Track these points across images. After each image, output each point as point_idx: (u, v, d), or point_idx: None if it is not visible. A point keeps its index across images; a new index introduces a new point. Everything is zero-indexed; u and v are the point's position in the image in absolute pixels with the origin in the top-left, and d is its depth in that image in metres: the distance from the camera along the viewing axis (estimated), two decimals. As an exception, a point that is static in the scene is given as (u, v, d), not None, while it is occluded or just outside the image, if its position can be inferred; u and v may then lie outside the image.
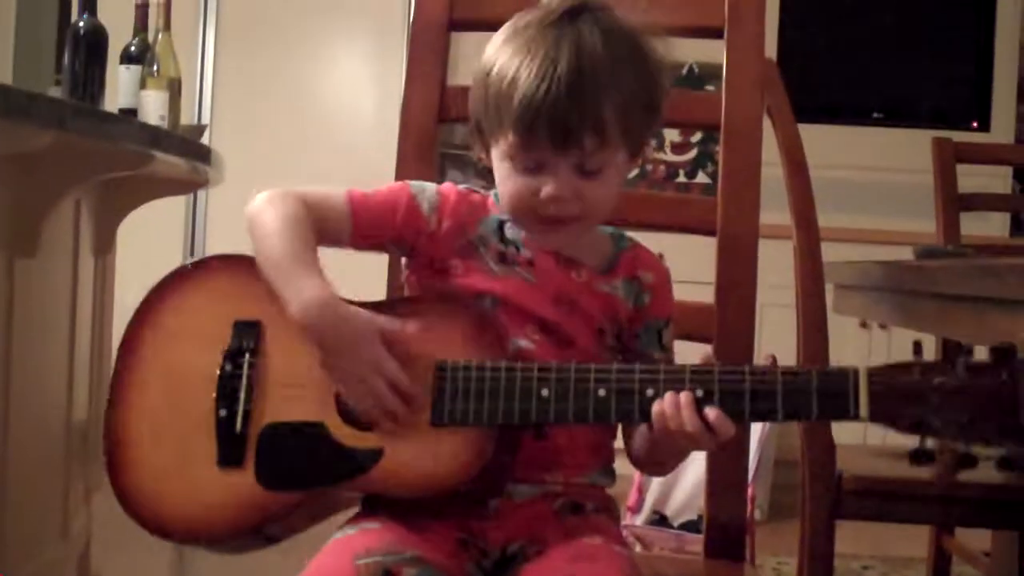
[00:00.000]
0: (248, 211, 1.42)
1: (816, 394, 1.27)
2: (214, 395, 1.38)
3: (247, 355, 1.39)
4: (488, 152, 1.45)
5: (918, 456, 1.27)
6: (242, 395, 1.37)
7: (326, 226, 1.41)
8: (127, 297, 1.47)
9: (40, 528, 2.75)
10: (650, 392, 1.31)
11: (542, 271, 1.44)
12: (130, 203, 3.16)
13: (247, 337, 1.39)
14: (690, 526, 3.74)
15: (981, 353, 1.26)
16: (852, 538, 3.76)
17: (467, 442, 1.33)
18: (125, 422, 1.41)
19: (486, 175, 1.48)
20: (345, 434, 1.35)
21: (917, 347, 1.31)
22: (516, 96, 1.35)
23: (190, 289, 1.45)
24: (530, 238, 1.44)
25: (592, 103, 1.35)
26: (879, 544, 3.94)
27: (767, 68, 1.81)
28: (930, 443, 1.27)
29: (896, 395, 1.24)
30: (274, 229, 1.37)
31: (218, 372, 1.38)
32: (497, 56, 1.41)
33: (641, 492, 3.84)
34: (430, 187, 1.47)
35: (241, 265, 1.41)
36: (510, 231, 1.45)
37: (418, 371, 1.34)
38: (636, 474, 3.96)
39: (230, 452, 1.36)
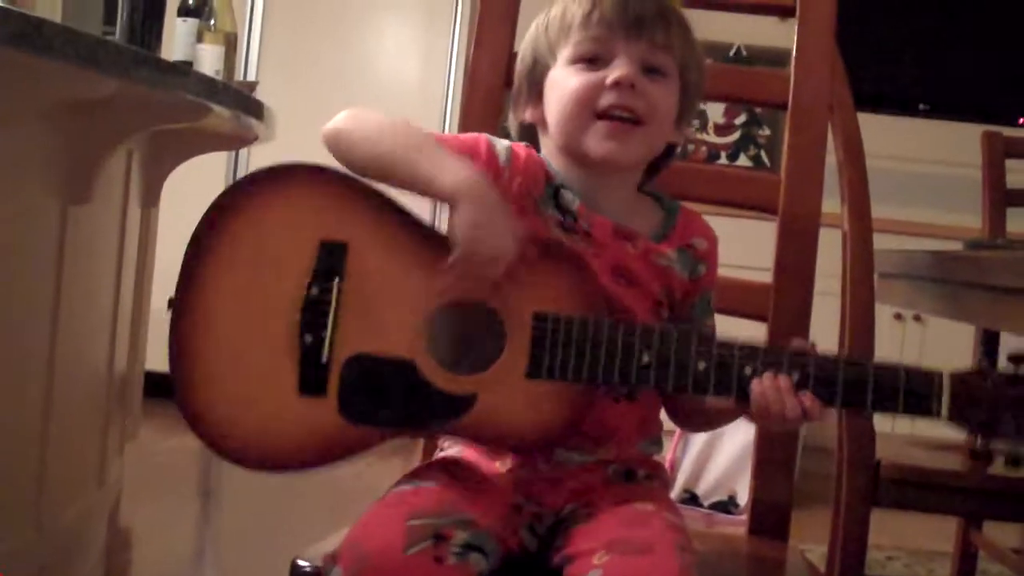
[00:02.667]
0: (334, 126, 1.40)
1: (903, 391, 1.31)
2: (298, 319, 1.32)
3: (336, 279, 1.33)
4: (539, 97, 1.46)
5: (979, 455, 1.38)
6: (330, 322, 1.32)
7: None
8: (167, 252, 1.40)
9: (78, 476, 2.78)
10: (748, 371, 1.32)
11: (600, 243, 1.43)
12: (179, 156, 3.18)
13: (334, 259, 1.33)
14: (720, 506, 3.75)
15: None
16: (878, 528, 3.74)
17: (559, 399, 1.33)
18: (195, 335, 1.34)
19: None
20: (437, 375, 1.32)
21: (985, 354, 1.48)
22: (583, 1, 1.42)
23: (271, 200, 1.36)
24: (586, 204, 1.43)
25: (659, 4, 1.43)
26: (904, 536, 3.93)
27: (835, 50, 1.80)
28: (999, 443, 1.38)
29: (974, 401, 1.32)
30: (383, 125, 1.37)
31: (303, 295, 1.33)
32: (553, 6, 1.47)
33: (673, 470, 3.85)
34: (504, 140, 1.47)
35: (323, 179, 1.36)
36: (567, 198, 1.44)
37: (517, 318, 1.33)
38: (668, 453, 3.97)
39: (313, 380, 1.32)
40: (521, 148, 1.47)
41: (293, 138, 4.50)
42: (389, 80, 5.22)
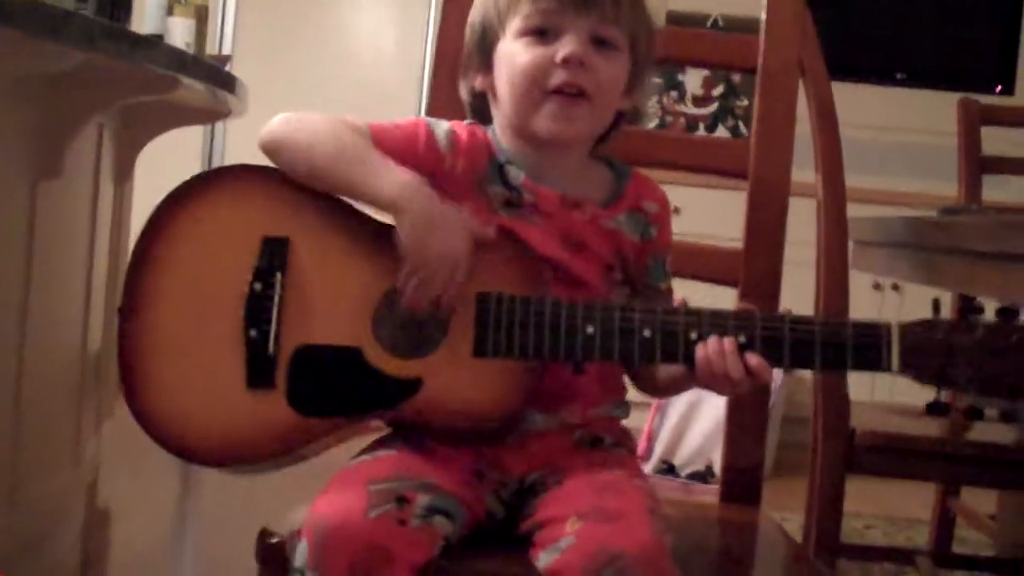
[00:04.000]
0: (268, 132, 1.39)
1: (852, 346, 1.30)
2: (243, 314, 1.34)
3: (279, 274, 1.35)
4: (488, 66, 1.45)
5: (934, 409, 1.36)
6: (274, 315, 1.34)
7: None
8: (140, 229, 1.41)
9: (53, 455, 2.77)
10: (694, 335, 1.32)
11: (546, 213, 1.43)
12: (152, 130, 3.16)
13: (276, 255, 1.36)
14: (697, 476, 3.76)
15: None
16: (856, 497, 3.75)
17: (507, 375, 1.34)
18: (143, 336, 1.36)
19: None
20: (384, 361, 1.33)
21: (936, 305, 1.44)
22: None
23: (213, 199, 1.40)
24: (531, 177, 1.43)
25: None
26: (883, 504, 3.95)
27: (804, 15, 1.79)
28: (944, 396, 1.36)
29: (925, 350, 1.30)
30: (321, 133, 1.37)
31: (247, 291, 1.35)
32: None
33: (650, 441, 3.86)
34: (444, 124, 1.46)
35: (265, 177, 1.39)
36: (512, 173, 1.44)
37: (460, 300, 1.34)
38: (646, 423, 3.98)
39: (261, 374, 1.34)
40: (462, 129, 1.46)
41: (269, 111, 4.50)
42: (366, 52, 5.20)
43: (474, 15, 1.49)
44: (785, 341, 1.31)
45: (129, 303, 1.38)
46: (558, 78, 1.38)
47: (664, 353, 1.33)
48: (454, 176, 1.43)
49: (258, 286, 1.35)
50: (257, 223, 1.37)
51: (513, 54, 1.41)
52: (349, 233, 1.37)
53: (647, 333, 1.32)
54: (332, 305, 1.35)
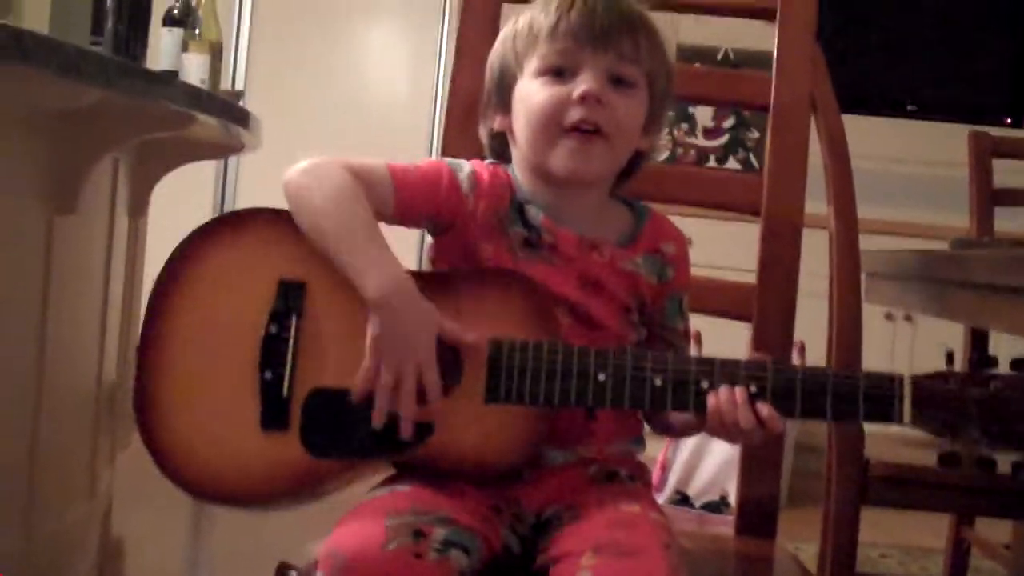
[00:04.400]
0: (288, 180, 1.39)
1: (863, 397, 1.32)
2: (259, 357, 1.35)
3: (294, 317, 1.36)
4: (507, 107, 1.46)
5: (946, 460, 1.38)
6: (289, 358, 1.35)
7: (370, 198, 1.39)
8: (157, 261, 1.43)
9: (68, 486, 2.77)
10: (705, 384, 1.33)
11: (565, 254, 1.43)
12: (167, 165, 3.17)
13: (293, 298, 1.37)
14: (712, 507, 3.75)
15: (1006, 351, 1.37)
16: (871, 526, 3.74)
17: (519, 421, 1.34)
18: (160, 377, 1.38)
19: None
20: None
21: (950, 357, 1.46)
22: (555, 6, 1.42)
23: (230, 242, 1.41)
24: (550, 218, 1.44)
25: (627, 14, 1.42)
26: (897, 533, 3.94)
27: (815, 51, 1.80)
28: (956, 447, 1.37)
29: (936, 403, 1.32)
30: (331, 200, 1.36)
31: (263, 333, 1.36)
32: (520, 16, 1.46)
33: (664, 471, 3.85)
34: (466, 165, 1.46)
35: (282, 221, 1.39)
36: (531, 213, 1.44)
37: (474, 346, 1.34)
38: (660, 453, 3.97)
39: (275, 415, 1.35)
40: (484, 169, 1.47)
41: (281, 146, 4.52)
42: (377, 88, 5.22)
43: (493, 57, 1.50)
44: (797, 391, 1.32)
45: (147, 342, 1.39)
46: (575, 115, 1.39)
47: (675, 402, 1.34)
48: (475, 218, 1.43)
49: (274, 328, 1.36)
50: (274, 266, 1.38)
51: (530, 93, 1.42)
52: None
53: (658, 382, 1.33)
54: (346, 349, 1.35)
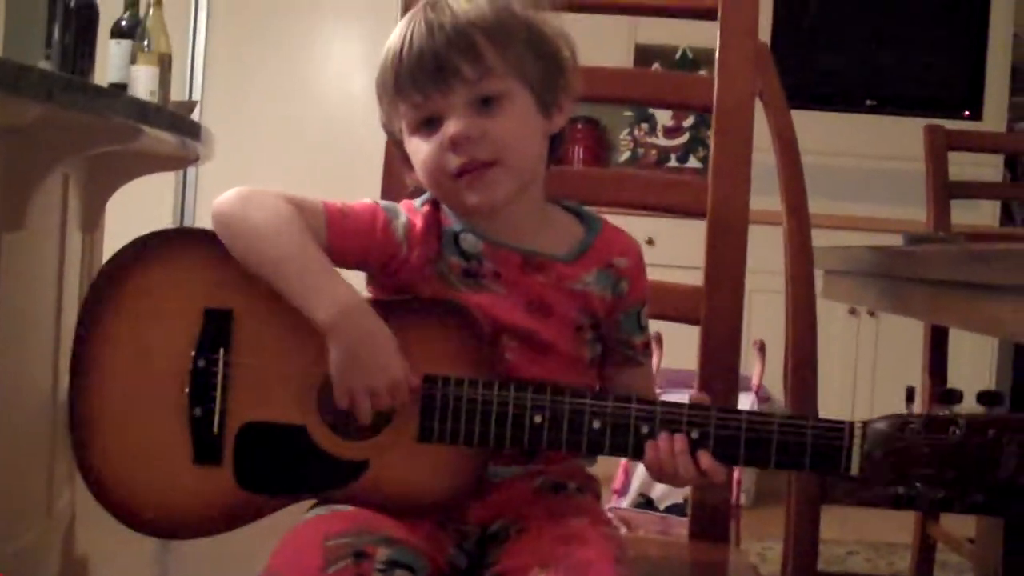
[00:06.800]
0: (220, 207, 1.34)
1: (810, 449, 1.27)
2: (187, 391, 1.32)
3: (221, 350, 1.33)
4: (411, 164, 1.41)
5: (899, 503, 1.31)
6: (217, 394, 1.32)
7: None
8: None
9: (24, 506, 2.75)
10: (645, 430, 1.30)
11: (509, 281, 1.39)
12: (119, 179, 3.14)
13: (219, 328, 1.33)
14: (675, 509, 3.74)
15: (969, 345, 1.32)
16: (837, 524, 3.77)
17: (452, 461, 1.32)
18: (91, 409, 1.34)
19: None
20: (329, 441, 1.32)
21: (910, 394, 1.37)
22: (390, 63, 1.37)
23: (154, 266, 1.36)
24: (489, 244, 1.40)
25: (456, 33, 1.33)
26: (864, 530, 3.96)
27: (760, 50, 1.79)
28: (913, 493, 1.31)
29: (888, 456, 1.26)
30: (270, 226, 1.31)
31: (190, 367, 1.32)
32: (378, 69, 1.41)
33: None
34: (402, 213, 1.41)
35: (205, 243, 1.34)
36: (467, 242, 1.40)
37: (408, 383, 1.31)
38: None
39: (207, 451, 1.32)
40: (416, 216, 1.41)
41: (240, 155, 4.52)
42: (335, 96, 5.20)
43: (381, 119, 1.45)
44: (741, 439, 1.29)
45: (76, 367, 1.35)
46: (455, 163, 1.34)
47: (613, 446, 1.30)
48: (409, 264, 1.39)
49: (201, 362, 1.33)
50: (200, 294, 1.34)
51: (414, 152, 1.38)
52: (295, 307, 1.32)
53: (596, 425, 1.30)
54: (277, 382, 1.32)
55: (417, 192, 1.46)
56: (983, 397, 1.32)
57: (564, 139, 1.47)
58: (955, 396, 1.31)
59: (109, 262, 1.37)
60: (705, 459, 1.28)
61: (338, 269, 1.34)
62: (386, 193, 1.68)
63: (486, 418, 1.30)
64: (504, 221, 1.41)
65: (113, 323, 1.35)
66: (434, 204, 1.43)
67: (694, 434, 1.29)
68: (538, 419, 1.30)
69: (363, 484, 1.31)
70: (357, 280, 1.40)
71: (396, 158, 1.47)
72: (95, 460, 1.34)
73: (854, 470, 1.26)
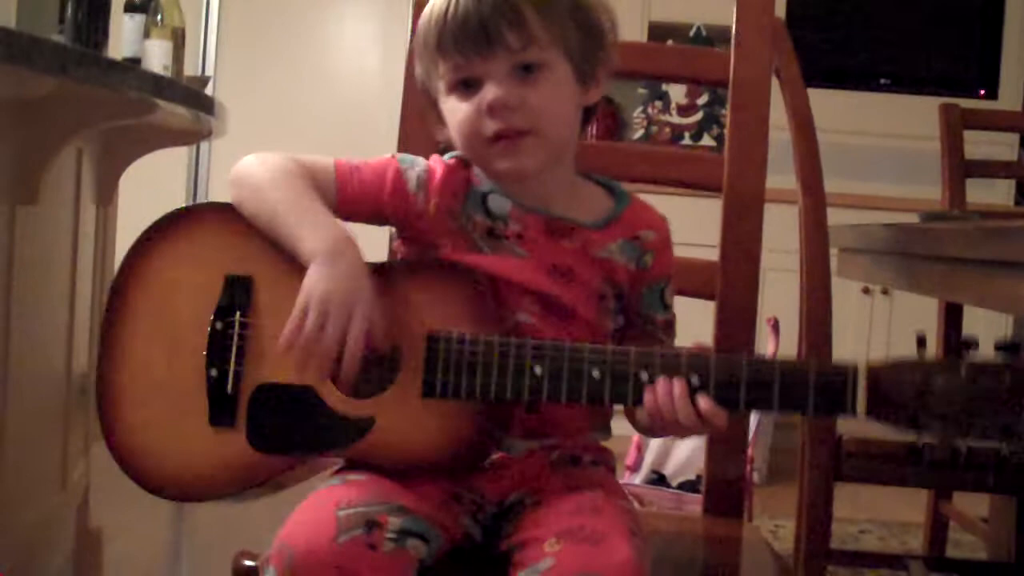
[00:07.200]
0: (235, 170, 1.39)
1: (813, 389, 1.25)
2: (205, 354, 1.35)
3: (238, 313, 1.36)
4: (443, 121, 1.43)
5: (912, 456, 1.26)
6: (232, 356, 1.35)
7: (314, 189, 1.38)
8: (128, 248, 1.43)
9: (39, 478, 2.76)
10: (644, 376, 1.28)
11: (533, 244, 1.40)
12: (133, 153, 3.15)
13: (238, 293, 1.36)
14: (688, 486, 3.74)
15: (983, 323, 1.26)
16: (849, 502, 3.77)
17: (456, 417, 1.32)
18: (117, 375, 1.38)
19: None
20: (336, 400, 1.33)
21: (921, 341, 1.30)
22: (433, 22, 1.37)
23: (180, 239, 1.40)
24: (516, 207, 1.41)
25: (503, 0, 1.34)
26: (876, 509, 3.95)
27: (777, 26, 1.78)
28: (926, 438, 1.26)
29: (894, 395, 1.23)
30: (274, 179, 1.36)
31: (208, 329, 1.36)
32: (418, 29, 1.42)
33: (640, 451, 3.84)
34: (420, 162, 1.43)
35: (231, 216, 1.38)
36: (494, 203, 1.41)
37: (411, 340, 1.32)
38: (636, 434, 3.96)
39: (222, 412, 1.35)
40: (438, 165, 1.43)
41: (253, 130, 4.51)
42: (348, 70, 5.20)
43: (415, 73, 1.46)
44: (741, 382, 1.27)
45: (105, 341, 1.39)
46: (491, 128, 1.36)
47: (614, 394, 1.29)
48: (428, 216, 1.41)
49: (219, 325, 1.36)
50: (221, 262, 1.38)
51: (450, 111, 1.40)
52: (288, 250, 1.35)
53: (596, 374, 1.29)
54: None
55: (448, 150, 1.47)
56: (1001, 346, 1.24)
57: (596, 112, 1.49)
58: (971, 344, 1.25)
59: (139, 238, 1.41)
60: (704, 402, 1.26)
61: (357, 224, 1.40)
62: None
63: (487, 370, 1.30)
64: (534, 187, 1.42)
65: (141, 296, 1.39)
66: (464, 161, 1.45)
67: (694, 379, 1.27)
68: (538, 370, 1.30)
69: (370, 441, 1.32)
70: (382, 236, 1.42)
71: (427, 115, 1.48)
72: (120, 429, 1.38)
73: (859, 411, 1.24)
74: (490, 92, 1.35)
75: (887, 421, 1.25)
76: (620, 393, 1.29)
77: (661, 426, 1.30)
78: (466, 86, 1.37)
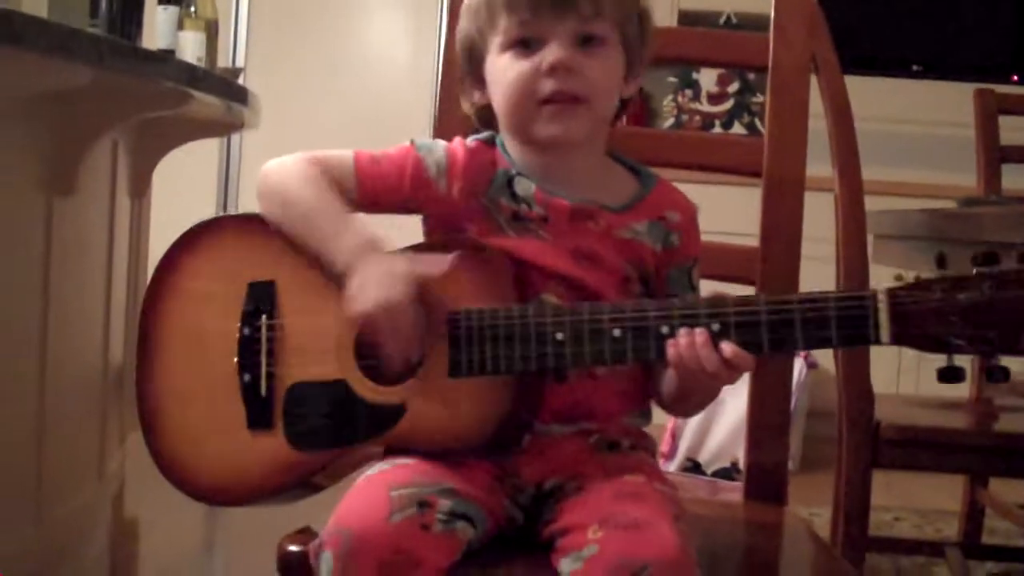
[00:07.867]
0: (259, 183, 1.42)
1: (835, 321, 1.23)
2: (236, 359, 1.38)
3: (264, 317, 1.38)
4: (482, 81, 1.44)
5: (946, 375, 1.23)
6: (263, 358, 1.37)
7: (334, 188, 1.40)
8: (161, 240, 1.46)
9: (76, 469, 2.78)
10: (665, 330, 1.28)
11: (557, 228, 1.40)
12: (167, 144, 3.17)
13: (262, 298, 1.38)
14: (723, 474, 3.74)
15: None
16: (884, 490, 3.75)
17: (485, 394, 1.33)
18: (154, 387, 1.41)
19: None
20: (367, 390, 1.34)
21: (940, 259, 1.27)
22: None
23: (202, 251, 1.43)
24: (543, 188, 1.41)
25: None
26: (911, 496, 3.94)
27: (814, 11, 1.78)
28: (958, 360, 1.24)
29: (919, 317, 1.20)
30: (298, 189, 1.38)
31: (237, 336, 1.38)
32: None
33: (675, 439, 3.85)
34: (438, 147, 1.44)
35: (250, 224, 1.41)
36: (520, 186, 1.41)
37: (435, 322, 1.33)
38: (670, 421, 3.96)
39: (259, 415, 1.37)
40: (460, 149, 1.44)
41: (284, 122, 4.52)
42: (378, 61, 5.20)
43: (459, 32, 1.46)
44: (762, 324, 1.25)
45: (141, 354, 1.43)
46: (548, 88, 1.36)
47: (636, 351, 1.29)
48: (451, 200, 1.41)
49: (247, 330, 1.38)
50: (243, 270, 1.41)
51: (501, 69, 1.39)
52: (332, 273, 1.36)
53: (617, 333, 1.29)
54: (318, 341, 1.36)
55: (472, 125, 1.49)
56: (978, 259, 1.22)
57: (628, 108, 1.50)
58: (993, 257, 1.21)
59: (165, 254, 1.45)
60: (728, 348, 1.26)
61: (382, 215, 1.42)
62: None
63: (510, 341, 1.30)
64: (560, 170, 1.42)
65: (170, 309, 1.43)
66: (487, 142, 1.45)
67: (715, 326, 1.26)
68: (559, 336, 1.30)
69: (405, 427, 1.33)
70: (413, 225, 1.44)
71: (463, 78, 1.48)
72: (160, 439, 1.41)
73: (884, 339, 1.21)
74: (553, 52, 1.35)
75: (913, 345, 1.22)
76: (641, 348, 1.29)
77: (688, 382, 1.31)
78: (523, 45, 1.37)
